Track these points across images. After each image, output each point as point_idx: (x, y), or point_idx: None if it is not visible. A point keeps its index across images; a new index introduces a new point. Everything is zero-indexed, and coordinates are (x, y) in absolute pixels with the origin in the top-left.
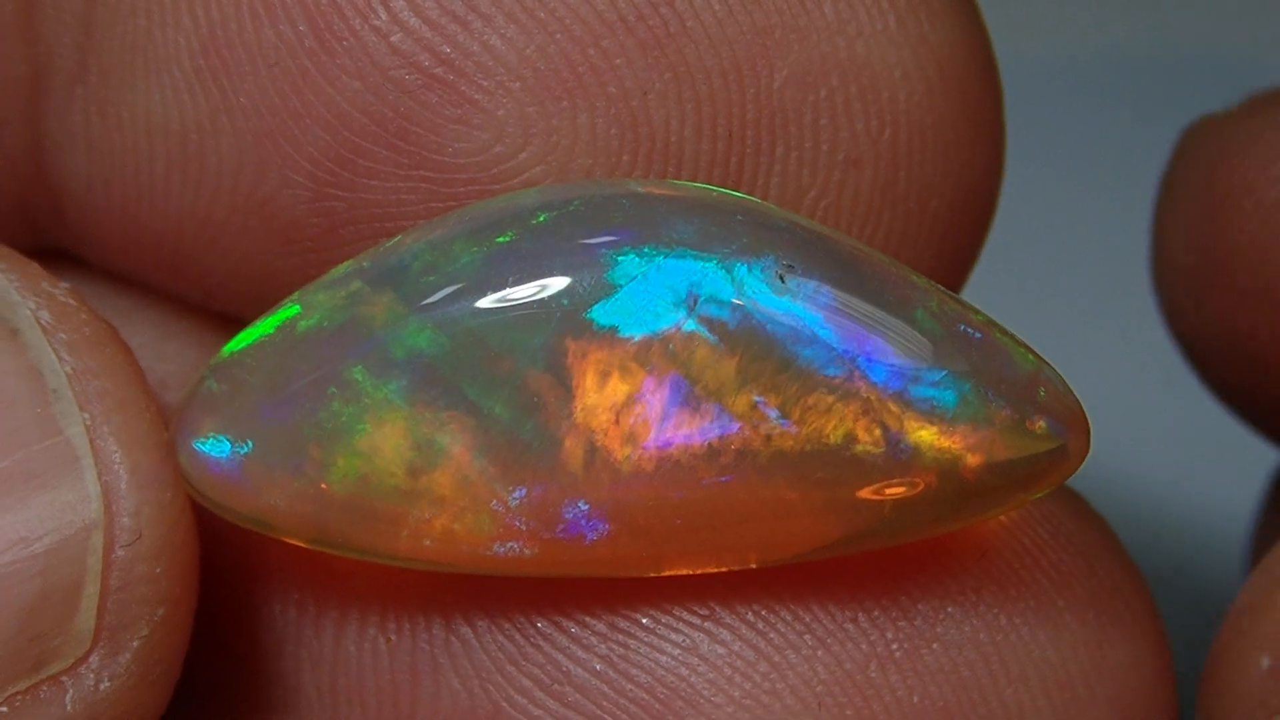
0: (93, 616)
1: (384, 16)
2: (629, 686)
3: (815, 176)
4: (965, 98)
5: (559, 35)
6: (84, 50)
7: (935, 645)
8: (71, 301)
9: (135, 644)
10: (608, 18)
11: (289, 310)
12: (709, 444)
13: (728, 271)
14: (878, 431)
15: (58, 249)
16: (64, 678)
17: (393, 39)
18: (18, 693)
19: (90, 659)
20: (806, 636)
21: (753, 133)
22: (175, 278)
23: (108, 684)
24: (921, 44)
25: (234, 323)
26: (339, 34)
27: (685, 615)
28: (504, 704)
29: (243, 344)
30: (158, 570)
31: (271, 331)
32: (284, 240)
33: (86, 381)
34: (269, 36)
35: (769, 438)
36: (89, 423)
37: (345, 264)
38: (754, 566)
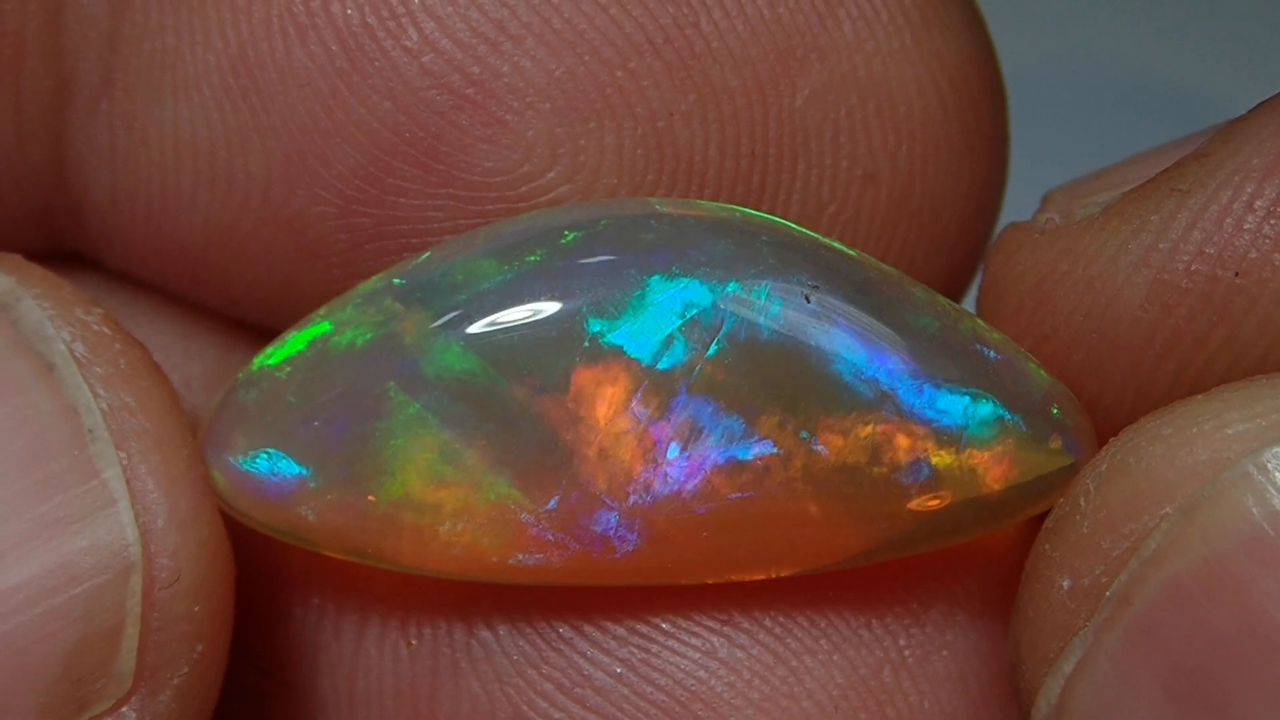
0: (133, 658)
1: (415, 38)
2: (649, 689)
3: (835, 192)
4: (975, 111)
5: (587, 57)
6: (109, 66)
7: (945, 653)
8: (106, 330)
9: (175, 681)
10: (635, 40)
11: (320, 326)
12: (734, 461)
13: (753, 292)
14: (900, 450)
15: (76, 254)
16: (106, 719)
17: (424, 60)
18: None
19: (131, 700)
20: (822, 641)
21: (775, 150)
22: (197, 286)
23: None
24: (935, 60)
25: (256, 328)
26: (370, 55)
27: (704, 620)
28: (524, 707)
29: (275, 358)
30: (196, 609)
31: (303, 347)
32: (310, 255)
33: (123, 419)
34: (300, 57)
35: (794, 455)
36: (125, 462)
37: (375, 278)
38: (775, 577)
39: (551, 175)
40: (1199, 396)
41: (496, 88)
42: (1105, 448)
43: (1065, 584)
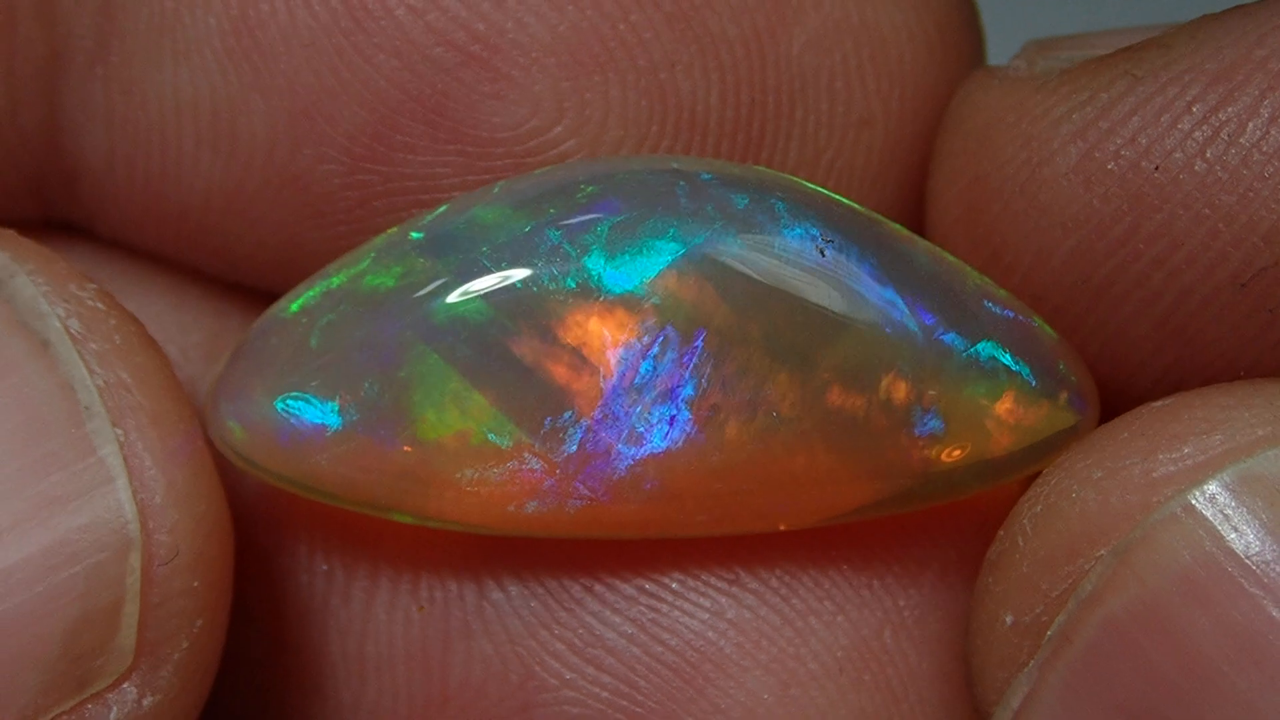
0: (133, 634)
1: None
2: (659, 649)
3: (832, 138)
4: (959, 55)
5: (590, 11)
6: (104, 32)
7: (940, 613)
8: (100, 305)
9: (176, 657)
10: None
11: (338, 278)
12: (748, 412)
13: (769, 245)
14: (914, 403)
15: (66, 222)
16: (108, 695)
17: (428, 18)
18: (63, 713)
19: (133, 675)
20: (826, 603)
21: (774, 98)
22: (198, 250)
23: (150, 698)
24: (924, 7)
25: (253, 291)
26: (374, 14)
27: (712, 580)
28: (536, 667)
29: (293, 309)
30: (195, 584)
31: (320, 298)
32: (316, 213)
33: (119, 395)
34: (303, 17)
35: (806, 405)
36: (123, 439)
37: (391, 232)
38: (783, 529)
39: (558, 129)
40: (1124, 432)
41: (501, 44)
42: (1037, 485)
43: (1009, 619)
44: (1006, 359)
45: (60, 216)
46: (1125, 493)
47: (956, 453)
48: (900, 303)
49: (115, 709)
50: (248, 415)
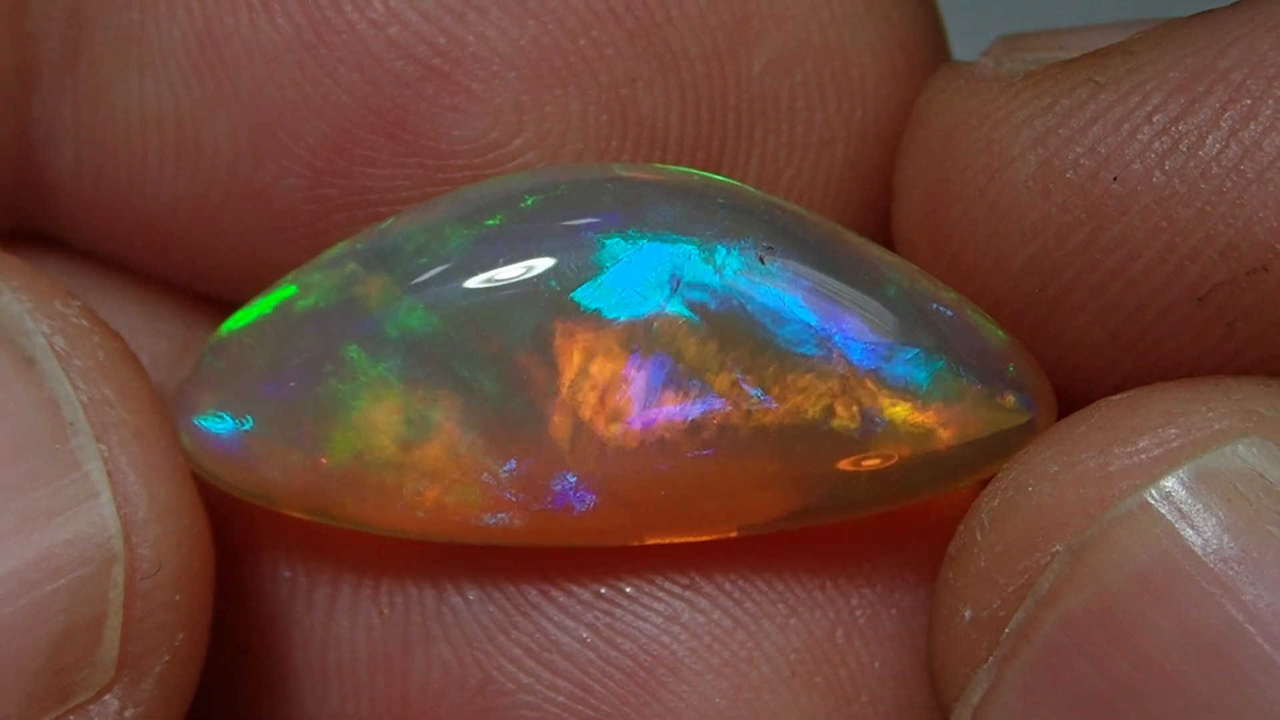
0: (116, 647)
1: (380, 10)
2: (614, 654)
3: (792, 157)
4: (924, 75)
5: (551, 26)
6: (74, 43)
7: (894, 612)
8: (84, 322)
9: (157, 670)
10: (597, 8)
11: (286, 290)
12: (692, 420)
13: (709, 254)
14: (854, 408)
15: (40, 232)
16: (90, 707)
17: (389, 31)
18: None
19: (114, 688)
20: (779, 605)
21: (734, 117)
22: (165, 261)
23: (131, 710)
24: (887, 26)
25: (221, 302)
26: (336, 27)
27: (667, 585)
28: (494, 672)
29: (241, 323)
30: (177, 598)
31: (269, 311)
32: (278, 226)
33: (103, 411)
34: (266, 30)
35: (749, 413)
36: (107, 454)
37: (340, 245)
38: (734, 535)
39: (518, 142)
40: (1082, 426)
41: (462, 57)
42: (996, 480)
43: (967, 614)
44: (950, 362)
45: (33, 226)
46: (1081, 487)
47: (898, 455)
48: (842, 308)
49: None
50: (193, 429)
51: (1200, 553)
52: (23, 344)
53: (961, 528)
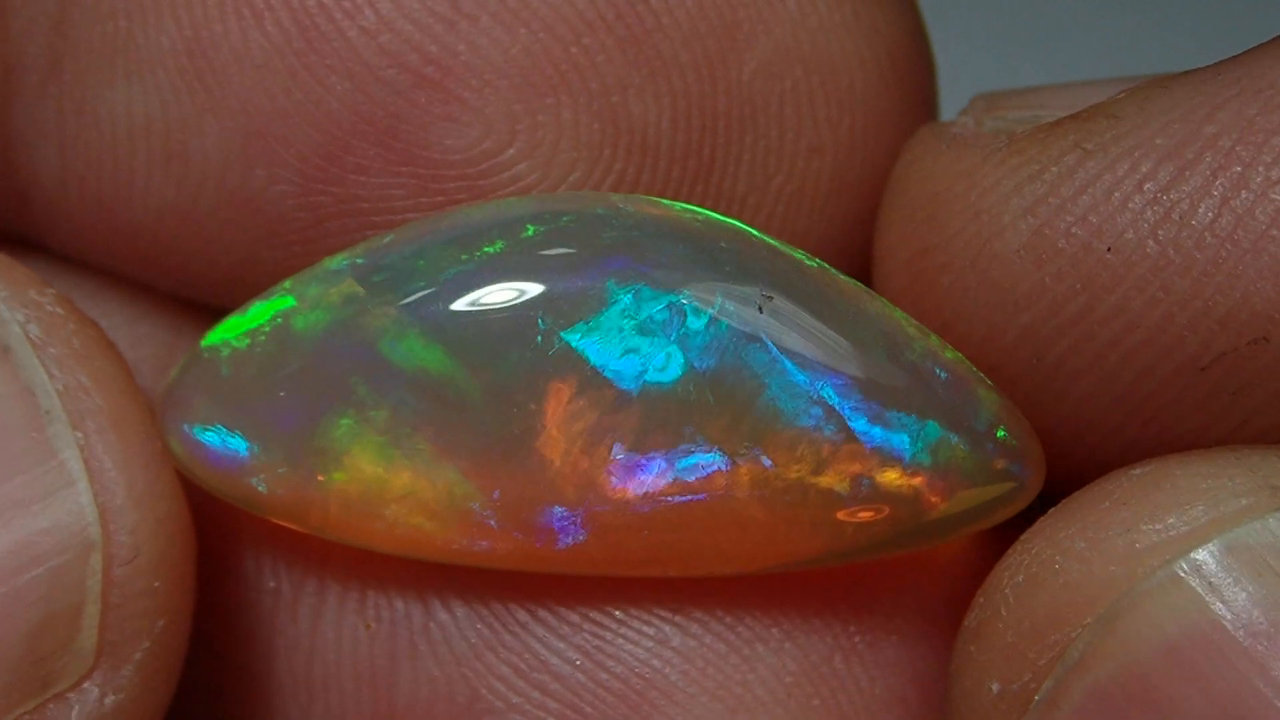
0: (94, 635)
1: (372, 18)
2: (604, 676)
3: (781, 164)
4: (911, 83)
5: (542, 34)
6: (57, 50)
7: (895, 638)
8: (60, 310)
9: (137, 656)
10: (588, 16)
11: (283, 301)
12: (680, 465)
13: (708, 299)
14: (845, 468)
15: (19, 238)
16: (69, 695)
17: (381, 40)
18: (25, 713)
19: (94, 675)
20: (774, 630)
21: (724, 123)
22: (150, 269)
23: (112, 698)
24: (875, 34)
25: (207, 309)
26: (327, 35)
27: (657, 610)
28: (482, 690)
29: (235, 331)
30: (156, 585)
31: (265, 322)
32: (268, 234)
33: (79, 399)
34: (255, 38)
35: (739, 466)
36: (83, 442)
37: (339, 257)
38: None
39: (511, 151)
40: (1105, 501)
41: (454, 66)
42: (1016, 553)
43: (995, 688)
44: (942, 426)
45: (13, 232)
46: (1109, 564)
47: (886, 516)
48: (838, 364)
49: (77, 708)
50: (185, 437)
51: (1230, 626)
52: None
53: (981, 600)
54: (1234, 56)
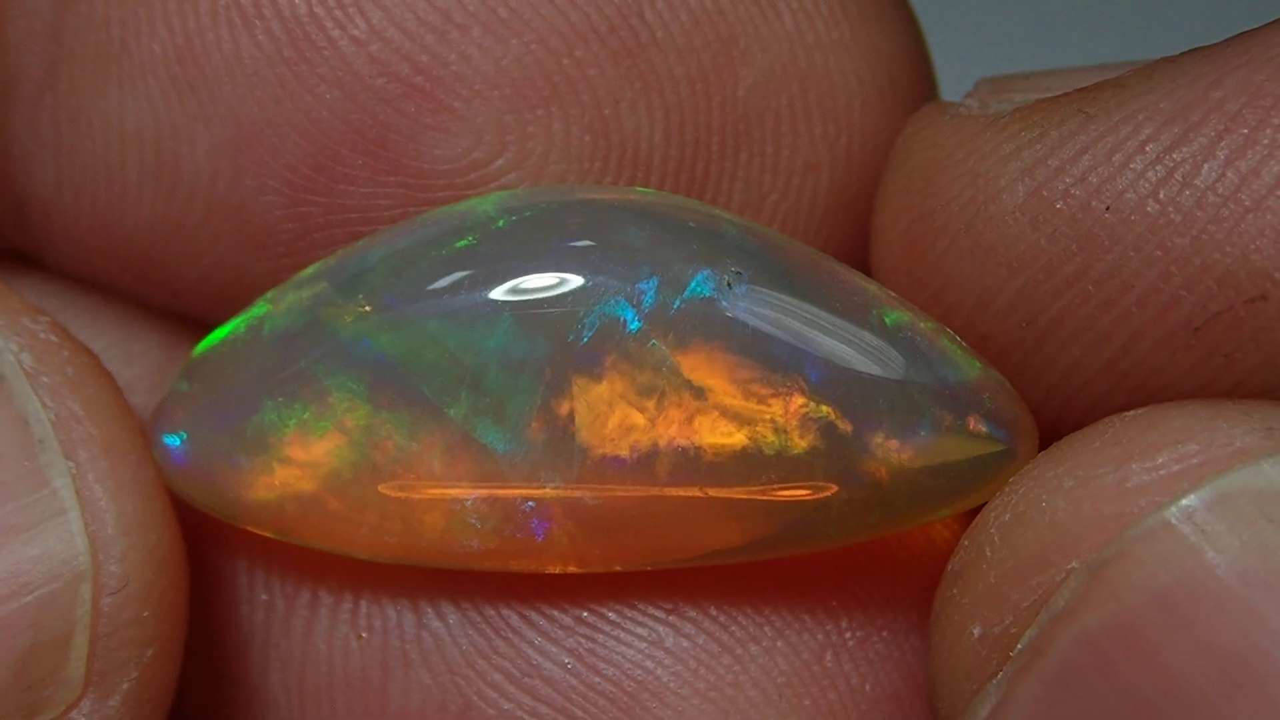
0: (83, 664)
1: (363, 27)
2: (597, 680)
3: (776, 181)
4: (910, 102)
5: (534, 45)
6: (53, 59)
7: (885, 633)
8: (53, 338)
9: (125, 685)
10: (581, 29)
11: (258, 310)
12: (654, 446)
13: (677, 277)
14: (818, 436)
15: (15, 251)
16: None
17: (371, 49)
18: None
19: (81, 704)
20: (766, 629)
21: (718, 139)
22: (143, 281)
23: None
24: (874, 53)
25: (201, 325)
26: (317, 44)
27: (650, 610)
28: (475, 698)
29: (213, 342)
30: (145, 614)
31: (241, 331)
32: (257, 245)
33: (71, 427)
34: (246, 47)
35: (711, 440)
36: (75, 471)
37: (314, 266)
38: (704, 564)
39: (500, 162)
40: (1096, 441)
41: (444, 76)
42: (1004, 494)
43: (976, 631)
44: (920, 393)
45: (8, 245)
46: (1097, 502)
47: (861, 485)
48: (808, 337)
49: None
50: (165, 450)
51: (1224, 574)
52: None
53: (966, 542)
54: (1245, 31)
